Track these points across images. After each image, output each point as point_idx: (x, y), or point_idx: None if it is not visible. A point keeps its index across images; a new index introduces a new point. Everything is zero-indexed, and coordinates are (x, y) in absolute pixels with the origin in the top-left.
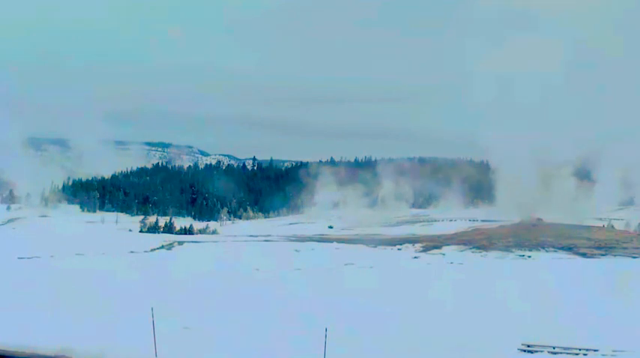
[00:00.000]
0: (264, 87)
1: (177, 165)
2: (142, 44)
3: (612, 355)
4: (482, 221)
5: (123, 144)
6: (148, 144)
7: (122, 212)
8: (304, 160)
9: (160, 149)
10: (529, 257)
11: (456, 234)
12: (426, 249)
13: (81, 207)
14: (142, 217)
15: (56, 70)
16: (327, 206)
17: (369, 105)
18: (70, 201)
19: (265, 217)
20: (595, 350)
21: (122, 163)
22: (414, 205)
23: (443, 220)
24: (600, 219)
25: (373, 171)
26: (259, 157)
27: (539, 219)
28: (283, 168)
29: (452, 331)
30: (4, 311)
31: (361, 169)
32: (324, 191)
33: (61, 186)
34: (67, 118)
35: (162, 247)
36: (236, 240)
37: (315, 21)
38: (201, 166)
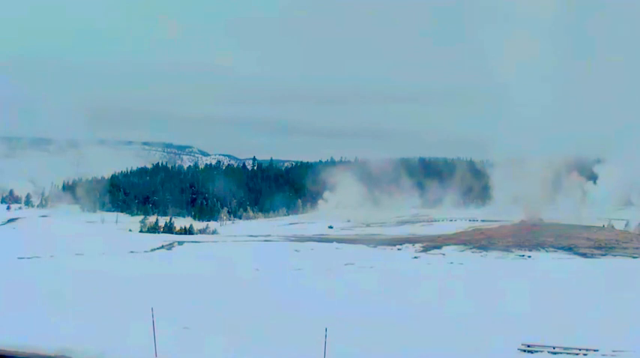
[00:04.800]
0: (265, 87)
1: (177, 165)
2: (141, 44)
3: (612, 355)
4: (483, 221)
5: (123, 144)
6: (148, 144)
7: (122, 212)
8: (304, 160)
9: (159, 149)
10: (529, 257)
11: (456, 234)
12: (426, 249)
13: (81, 207)
14: (142, 217)
15: (56, 70)
16: (327, 206)
17: (369, 106)
18: (70, 201)
19: (265, 217)
20: (595, 350)
21: (122, 163)
22: (414, 205)
23: (443, 220)
24: (600, 219)
25: (373, 171)
26: (259, 157)
27: (539, 219)
28: (283, 168)
29: (452, 331)
30: (4, 311)
31: (361, 169)
32: (324, 191)
33: (61, 186)
34: (67, 118)
35: (163, 247)
36: (236, 240)
37: (315, 21)
38: (201, 166)
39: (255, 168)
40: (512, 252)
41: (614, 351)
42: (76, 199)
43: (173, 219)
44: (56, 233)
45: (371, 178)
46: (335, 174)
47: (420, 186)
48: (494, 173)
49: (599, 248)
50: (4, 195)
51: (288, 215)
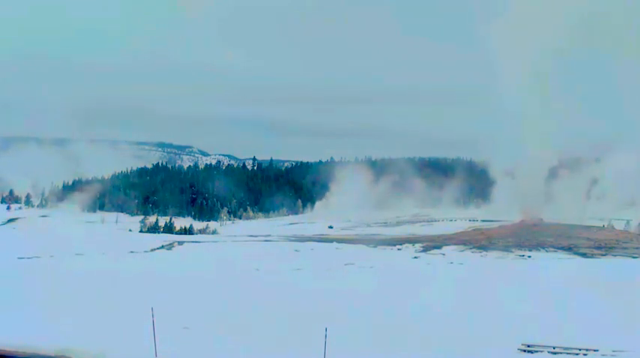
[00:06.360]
0: (265, 87)
1: (177, 165)
2: (141, 43)
3: (612, 355)
4: (483, 221)
5: (122, 144)
6: (148, 144)
7: (122, 212)
8: (304, 160)
9: (159, 149)
10: (529, 257)
11: (456, 234)
12: (426, 249)
13: (81, 207)
14: (142, 217)
15: (55, 69)
16: (327, 206)
17: (369, 105)
18: (70, 201)
19: (265, 217)
20: (595, 350)
21: (122, 163)
22: (414, 205)
23: (443, 220)
24: (600, 219)
25: (373, 171)
26: (259, 157)
27: (539, 219)
28: (283, 168)
29: (452, 331)
30: (4, 311)
31: (361, 169)
32: (324, 191)
33: (61, 186)
34: (67, 118)
35: (163, 247)
36: (236, 240)
37: (315, 20)
38: (201, 166)
39: (255, 168)
40: (512, 252)
41: (614, 351)
42: (76, 199)
43: (173, 219)
44: (56, 233)
45: (371, 178)
46: (335, 174)
47: (420, 186)
48: (494, 173)
49: (599, 248)
50: (4, 195)
51: (288, 215)
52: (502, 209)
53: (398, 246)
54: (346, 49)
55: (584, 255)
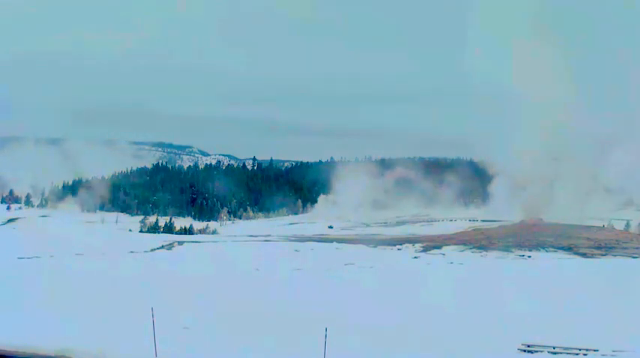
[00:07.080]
0: (265, 87)
1: (177, 165)
2: (142, 44)
3: (612, 355)
4: (483, 221)
5: (122, 143)
6: (148, 144)
7: (122, 212)
8: (304, 160)
9: (159, 149)
10: (529, 257)
11: (456, 234)
12: (426, 249)
13: (81, 207)
14: (142, 217)
15: (55, 69)
16: (327, 206)
17: (369, 106)
18: (70, 201)
19: (265, 217)
20: (595, 350)
21: (122, 163)
22: (414, 205)
23: (443, 220)
24: (600, 219)
25: (373, 171)
26: (259, 157)
27: (539, 219)
28: (283, 168)
29: (452, 331)
30: (4, 311)
31: (361, 169)
32: (324, 191)
33: (60, 186)
34: (67, 118)
35: (163, 247)
36: (236, 240)
37: (315, 20)
38: (201, 166)
39: (255, 168)
40: (512, 252)
41: (614, 351)
42: (75, 199)
43: (173, 219)
44: (56, 233)
45: (371, 178)
46: (335, 174)
47: (420, 186)
48: (494, 173)
49: (599, 248)
50: (4, 195)
51: (288, 215)
52: (502, 209)
53: (398, 246)
54: (346, 49)
55: (584, 255)
